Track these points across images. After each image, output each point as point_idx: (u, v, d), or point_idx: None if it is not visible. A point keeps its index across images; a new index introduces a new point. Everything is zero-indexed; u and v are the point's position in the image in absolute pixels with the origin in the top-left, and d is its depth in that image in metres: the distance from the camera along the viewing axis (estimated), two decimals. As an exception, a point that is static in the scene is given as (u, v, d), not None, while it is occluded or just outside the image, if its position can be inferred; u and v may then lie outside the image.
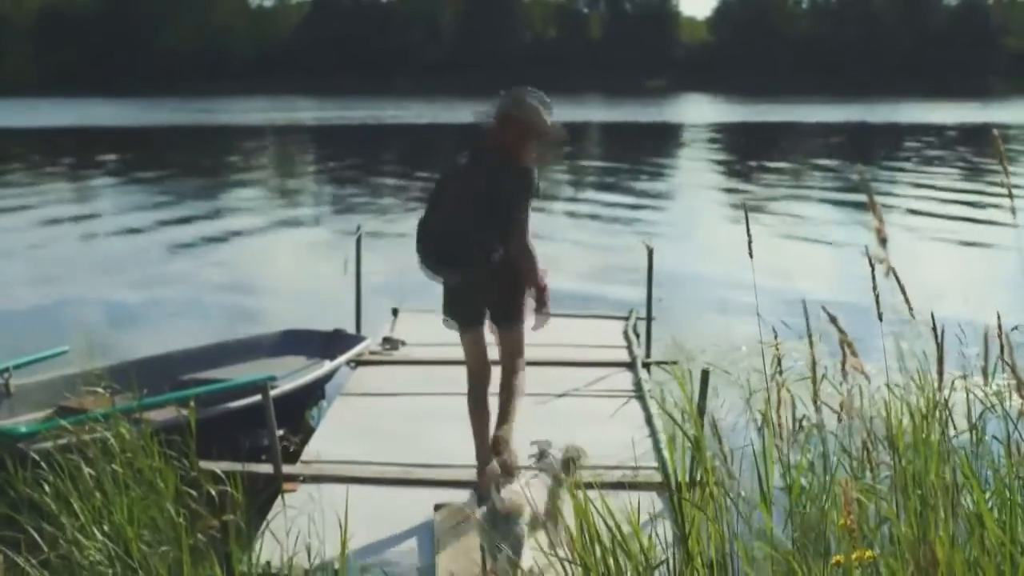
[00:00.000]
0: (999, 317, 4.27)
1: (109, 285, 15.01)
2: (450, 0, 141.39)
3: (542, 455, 5.71)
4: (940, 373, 4.07)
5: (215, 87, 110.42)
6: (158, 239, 19.64)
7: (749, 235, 4.24)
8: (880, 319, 3.63)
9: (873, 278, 3.39)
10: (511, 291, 6.38)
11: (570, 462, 5.68)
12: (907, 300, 3.35)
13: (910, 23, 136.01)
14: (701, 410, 5.73)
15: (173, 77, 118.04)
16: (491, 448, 6.31)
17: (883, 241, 3.07)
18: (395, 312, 11.20)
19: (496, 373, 6.60)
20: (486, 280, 6.25)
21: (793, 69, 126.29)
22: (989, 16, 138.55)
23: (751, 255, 4.22)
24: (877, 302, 3.53)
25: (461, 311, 6.45)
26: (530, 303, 6.47)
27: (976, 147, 43.34)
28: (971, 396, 4.90)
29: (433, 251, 6.24)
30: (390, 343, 9.95)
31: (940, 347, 4.11)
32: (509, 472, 6.19)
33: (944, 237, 19.20)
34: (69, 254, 18.02)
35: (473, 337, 6.49)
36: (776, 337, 4.53)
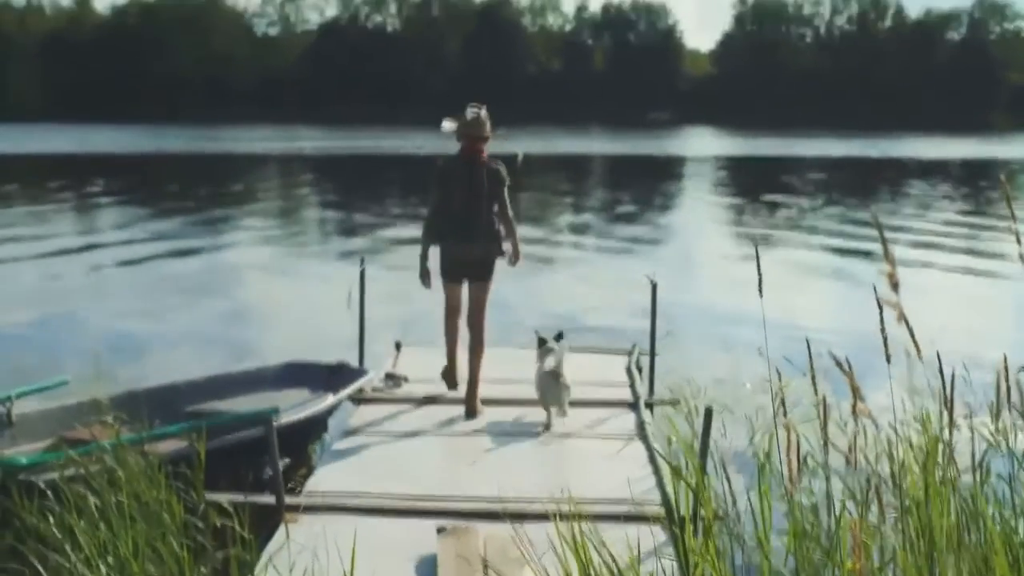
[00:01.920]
0: (1006, 359, 4.27)
1: (111, 314, 14.99)
2: (455, 30, 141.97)
3: (544, 342, 8.93)
4: (950, 415, 4.05)
5: (218, 115, 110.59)
6: (160, 268, 19.63)
7: (760, 274, 4.23)
8: (888, 361, 3.63)
9: (881, 320, 3.39)
10: (489, 258, 8.96)
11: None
12: (916, 343, 3.34)
13: (913, 58, 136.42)
14: (704, 449, 5.72)
15: (176, 104, 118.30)
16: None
17: (895, 286, 3.07)
18: (398, 346, 11.17)
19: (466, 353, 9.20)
20: (482, 251, 8.91)
21: (796, 103, 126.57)
22: (991, 52, 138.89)
23: (761, 294, 4.22)
24: (885, 344, 3.53)
25: (453, 273, 9.01)
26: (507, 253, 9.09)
27: (979, 183, 43.36)
28: (977, 435, 4.90)
29: (458, 231, 8.82)
30: (393, 379, 9.90)
31: (950, 389, 4.10)
32: (474, 414, 8.92)
33: (947, 274, 19.18)
34: (70, 282, 18.01)
35: (455, 289, 9.11)
36: (780, 376, 4.52)
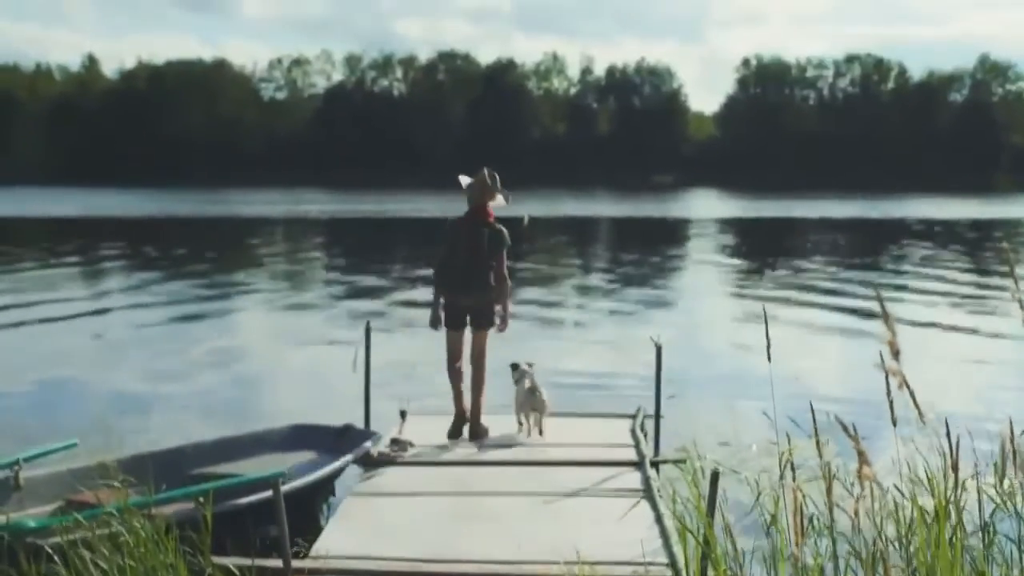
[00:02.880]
0: (1011, 422, 4.29)
1: (118, 377, 15.01)
2: (461, 94, 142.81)
3: (517, 367, 10.38)
4: (956, 478, 4.07)
5: (225, 178, 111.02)
6: (166, 331, 19.67)
7: (768, 339, 4.25)
8: (894, 424, 3.66)
9: (887, 385, 3.42)
10: (487, 307, 9.99)
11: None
12: (918, 408, 3.37)
13: (916, 120, 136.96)
14: (712, 511, 5.72)
15: (184, 168, 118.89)
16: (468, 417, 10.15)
17: (896, 354, 3.10)
18: (403, 414, 11.10)
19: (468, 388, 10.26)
20: (477, 300, 9.93)
21: (799, 165, 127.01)
22: (994, 113, 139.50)
23: (769, 358, 4.24)
24: (891, 409, 3.56)
25: (454, 319, 10.04)
26: (497, 317, 10.11)
27: (981, 244, 43.43)
28: (983, 496, 4.90)
29: (458, 282, 9.88)
30: (399, 444, 9.89)
31: (955, 451, 4.12)
32: (478, 436, 10.12)
33: (951, 336, 19.18)
34: (77, 345, 18.04)
35: (457, 335, 10.09)
36: (789, 439, 4.53)
